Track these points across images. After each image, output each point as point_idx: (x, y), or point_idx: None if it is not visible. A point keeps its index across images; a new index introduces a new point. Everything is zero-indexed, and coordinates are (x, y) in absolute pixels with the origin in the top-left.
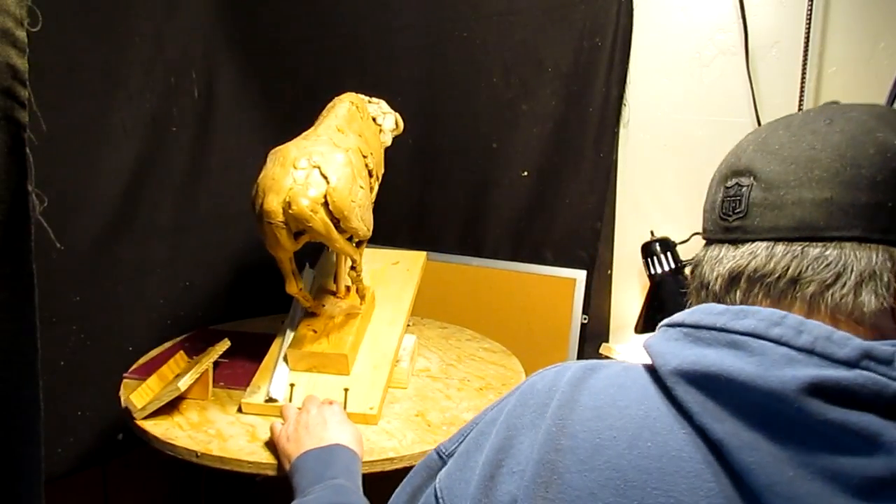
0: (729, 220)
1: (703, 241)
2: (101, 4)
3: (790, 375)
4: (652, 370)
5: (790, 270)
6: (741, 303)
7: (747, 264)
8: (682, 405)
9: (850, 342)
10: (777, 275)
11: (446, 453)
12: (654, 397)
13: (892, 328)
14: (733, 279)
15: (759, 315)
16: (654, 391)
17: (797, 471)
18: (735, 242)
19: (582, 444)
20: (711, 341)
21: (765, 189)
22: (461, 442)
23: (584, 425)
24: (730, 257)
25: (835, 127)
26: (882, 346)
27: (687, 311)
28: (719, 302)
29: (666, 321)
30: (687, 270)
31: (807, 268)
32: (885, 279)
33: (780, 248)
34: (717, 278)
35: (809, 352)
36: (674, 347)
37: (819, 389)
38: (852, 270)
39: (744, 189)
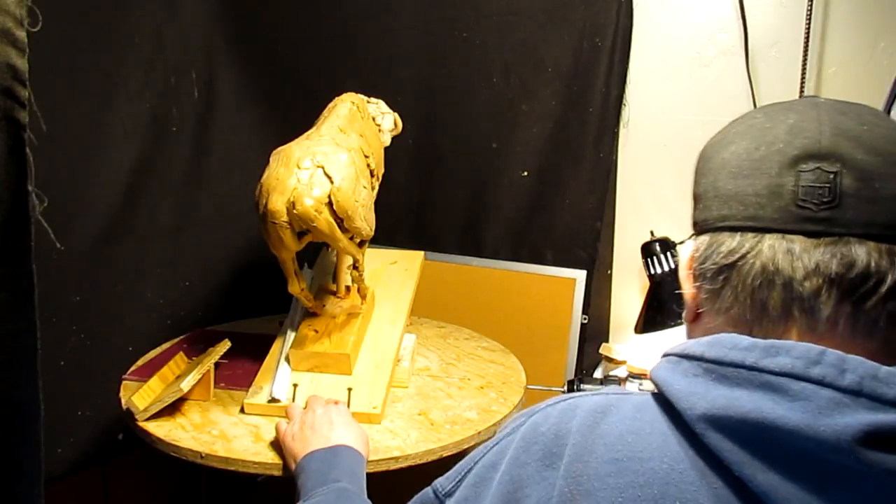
0: (813, 209)
1: (727, 228)
2: (101, 4)
3: (843, 424)
4: (669, 408)
5: (888, 278)
6: (829, 310)
7: (850, 265)
8: (717, 455)
9: None
10: (875, 280)
11: (443, 493)
12: (676, 446)
13: None
14: (831, 281)
15: (794, 352)
16: (676, 439)
17: None
18: (817, 236)
19: (602, 503)
20: (741, 381)
21: (858, 179)
22: (458, 482)
23: (603, 482)
24: (817, 254)
25: (888, 123)
26: None
27: (703, 342)
28: (802, 304)
29: (677, 350)
30: (716, 256)
31: None
32: None
33: (873, 247)
34: (805, 278)
35: (856, 393)
36: (697, 387)
37: (876, 437)
38: None
39: (831, 175)
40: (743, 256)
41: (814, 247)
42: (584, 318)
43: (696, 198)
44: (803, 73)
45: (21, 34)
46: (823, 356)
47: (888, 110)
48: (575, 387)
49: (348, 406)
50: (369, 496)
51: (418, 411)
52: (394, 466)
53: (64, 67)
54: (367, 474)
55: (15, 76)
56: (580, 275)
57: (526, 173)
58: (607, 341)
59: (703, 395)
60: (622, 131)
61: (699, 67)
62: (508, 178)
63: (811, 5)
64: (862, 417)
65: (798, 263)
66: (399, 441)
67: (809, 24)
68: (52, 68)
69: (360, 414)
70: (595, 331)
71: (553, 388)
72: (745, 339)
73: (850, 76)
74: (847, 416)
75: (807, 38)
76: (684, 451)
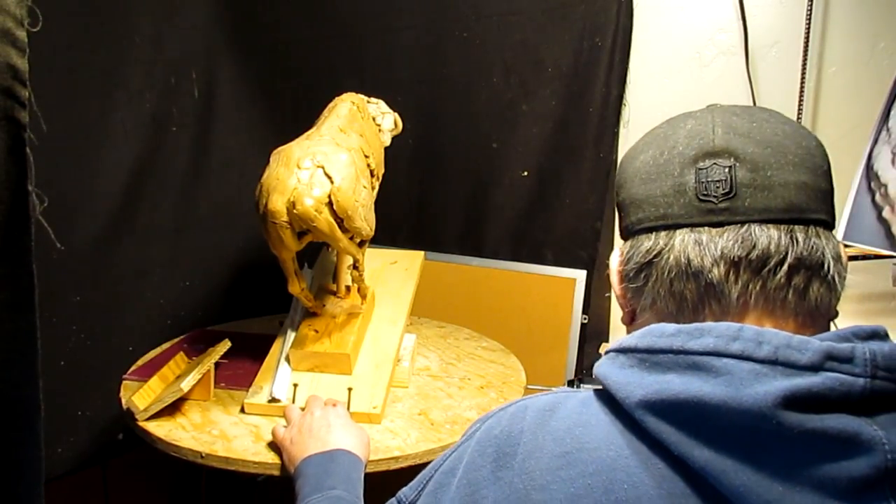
0: (714, 202)
1: (644, 230)
2: (101, 4)
3: (762, 392)
4: (610, 400)
5: (789, 255)
6: (737, 291)
7: (752, 248)
8: (656, 437)
9: (809, 346)
10: (777, 259)
11: (407, 501)
12: (619, 435)
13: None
14: (735, 264)
15: (715, 331)
16: (618, 428)
17: (785, 485)
18: (721, 225)
19: (556, 495)
20: (671, 365)
21: (751, 170)
22: (420, 490)
23: (554, 475)
24: (722, 241)
25: (779, 118)
26: (840, 346)
27: (636, 334)
28: (713, 290)
29: (615, 346)
30: (637, 257)
31: (801, 252)
32: (843, 262)
33: (773, 230)
34: (713, 265)
35: (773, 362)
36: (632, 376)
37: (793, 400)
38: (825, 253)
39: (726, 170)
40: (659, 253)
41: (718, 235)
42: (584, 318)
43: (618, 208)
44: (803, 73)
45: (21, 34)
46: (741, 332)
47: (888, 110)
48: (575, 386)
49: (348, 406)
50: (369, 496)
51: (418, 411)
52: (394, 466)
53: (64, 67)
54: (368, 474)
55: (15, 76)
56: (580, 275)
57: (526, 173)
58: (607, 341)
59: (638, 384)
60: (622, 131)
61: (699, 67)
62: (508, 178)
63: (811, 5)
64: (780, 384)
65: (706, 252)
66: (399, 441)
67: (809, 24)
68: (52, 68)
69: (361, 414)
70: (595, 331)
71: (553, 388)
72: (672, 326)
73: (850, 76)
74: (766, 384)
75: (807, 38)
76: (626, 439)
